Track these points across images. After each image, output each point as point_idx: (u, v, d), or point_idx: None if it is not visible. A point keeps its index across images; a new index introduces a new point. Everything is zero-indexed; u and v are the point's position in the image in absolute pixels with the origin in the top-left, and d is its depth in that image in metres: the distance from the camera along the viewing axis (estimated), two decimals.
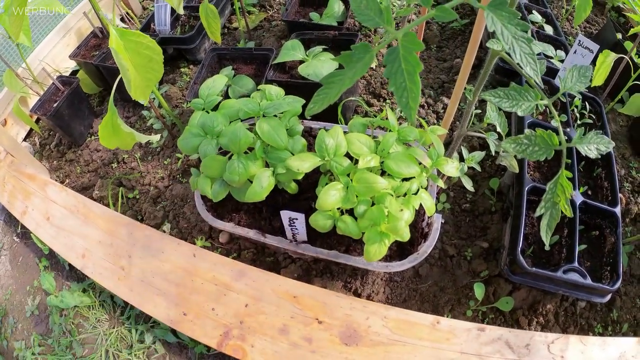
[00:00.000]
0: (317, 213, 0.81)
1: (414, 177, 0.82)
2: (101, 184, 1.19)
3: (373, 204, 0.79)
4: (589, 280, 0.90)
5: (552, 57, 1.19)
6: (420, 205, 0.95)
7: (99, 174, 1.25)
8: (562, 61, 1.21)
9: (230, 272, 0.86)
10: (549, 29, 1.26)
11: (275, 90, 0.92)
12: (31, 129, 1.45)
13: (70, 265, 1.23)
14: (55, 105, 1.22)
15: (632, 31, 1.27)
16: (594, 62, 1.17)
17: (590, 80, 1.22)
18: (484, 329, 0.84)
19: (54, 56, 1.41)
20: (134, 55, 0.89)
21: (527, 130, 0.75)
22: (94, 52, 1.33)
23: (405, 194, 0.80)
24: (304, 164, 0.80)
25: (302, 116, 0.94)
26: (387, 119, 0.88)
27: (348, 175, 0.82)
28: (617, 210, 1.01)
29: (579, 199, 0.99)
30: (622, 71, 1.25)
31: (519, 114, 0.73)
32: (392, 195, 0.78)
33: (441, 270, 1.01)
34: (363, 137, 0.84)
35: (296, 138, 0.87)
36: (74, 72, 1.46)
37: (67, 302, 1.13)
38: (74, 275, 1.22)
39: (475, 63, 1.28)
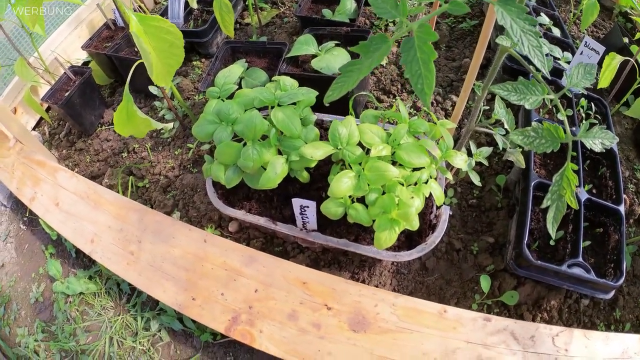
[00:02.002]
0: (329, 200, 0.84)
1: (424, 168, 0.85)
2: (111, 173, 1.21)
3: (384, 193, 0.82)
4: (593, 275, 0.93)
5: (559, 59, 1.23)
6: (428, 199, 0.98)
7: (108, 163, 1.27)
8: (568, 62, 1.24)
9: (240, 258, 0.89)
10: (556, 32, 1.30)
11: (289, 82, 0.95)
12: (41, 119, 1.47)
13: (76, 252, 1.25)
14: (67, 94, 1.25)
15: (638, 35, 1.31)
16: (600, 64, 1.21)
17: (597, 80, 1.26)
18: (490, 319, 0.87)
19: (66, 47, 1.44)
20: (154, 39, 0.92)
21: (534, 123, 0.78)
22: (106, 44, 1.36)
23: (415, 184, 0.83)
24: (317, 151, 0.82)
25: (314, 109, 0.97)
26: (398, 111, 0.91)
27: (360, 164, 0.85)
28: (621, 208, 1.04)
29: (583, 196, 1.02)
30: (628, 75, 1.29)
31: (527, 107, 0.76)
32: (403, 185, 0.81)
33: (447, 264, 1.04)
34: (375, 127, 0.87)
35: (309, 127, 0.90)
36: (85, 64, 1.49)
37: (73, 288, 1.15)
38: (80, 262, 1.24)
39: (484, 63, 1.31)
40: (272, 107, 0.87)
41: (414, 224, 0.81)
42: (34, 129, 1.45)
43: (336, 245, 0.88)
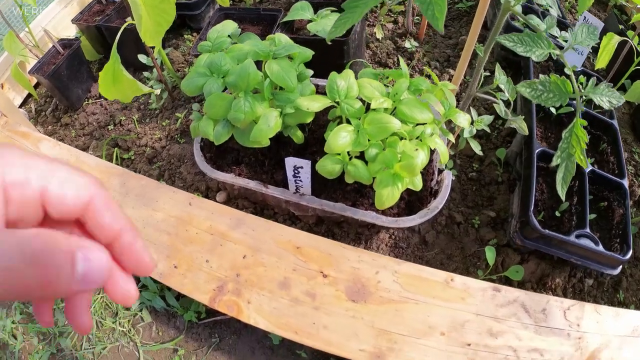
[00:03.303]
0: (325, 157, 0.73)
1: (428, 123, 0.74)
2: (96, 145, 1.09)
3: (384, 150, 0.72)
4: (601, 247, 0.83)
5: (557, 37, 1.15)
6: (429, 166, 0.87)
7: (94, 136, 1.15)
8: (566, 41, 1.17)
9: (228, 221, 0.76)
10: (554, 13, 1.23)
11: (284, 38, 0.85)
12: (27, 97, 1.35)
13: None
14: (54, 66, 1.13)
15: (634, 19, 1.24)
16: (597, 46, 1.14)
17: (594, 61, 1.18)
18: (499, 290, 0.75)
19: (56, 24, 1.34)
20: None
21: (542, 76, 0.69)
22: (97, 17, 1.26)
23: (419, 139, 0.72)
24: (315, 103, 0.72)
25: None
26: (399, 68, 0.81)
27: (359, 119, 0.74)
28: (625, 182, 0.95)
29: (587, 168, 0.93)
30: (625, 59, 1.21)
31: (534, 59, 0.68)
32: (406, 138, 0.71)
33: (448, 238, 0.93)
34: (375, 82, 0.77)
35: (305, 83, 0.80)
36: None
37: None
38: None
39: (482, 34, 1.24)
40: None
41: (418, 182, 0.71)
42: (20, 106, 1.32)
43: (332, 209, 0.76)
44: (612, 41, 1.13)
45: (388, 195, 0.67)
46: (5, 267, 0.18)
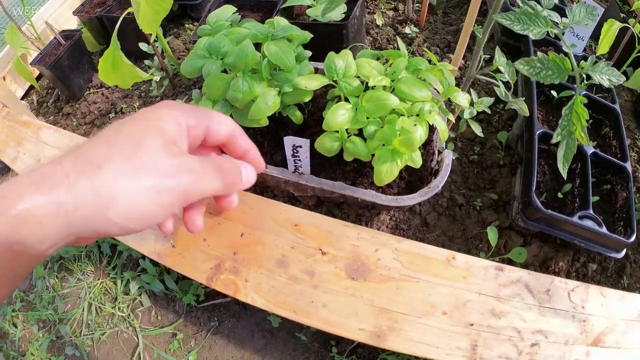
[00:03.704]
0: (324, 135, 0.72)
1: (427, 101, 0.73)
2: (95, 133, 1.08)
3: (383, 127, 0.71)
4: (605, 229, 0.82)
5: (557, 23, 1.14)
6: (429, 145, 0.86)
7: (95, 124, 1.15)
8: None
9: None
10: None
11: (284, 22, 0.84)
12: (29, 89, 1.36)
13: None
14: (55, 57, 1.14)
15: (634, 6, 1.23)
16: (597, 29, 1.12)
17: (595, 48, 1.17)
18: (502, 269, 0.74)
19: (57, 17, 1.35)
20: None
21: (540, 54, 0.68)
22: (98, 9, 1.26)
23: (417, 115, 0.71)
24: (312, 82, 0.71)
25: (309, 59, 0.87)
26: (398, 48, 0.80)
27: (357, 98, 0.73)
28: (628, 165, 0.94)
29: (589, 150, 0.92)
30: (626, 47, 1.20)
31: (531, 37, 0.67)
32: (405, 115, 0.70)
33: (450, 220, 0.91)
34: (373, 62, 0.76)
35: (304, 64, 0.79)
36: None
37: None
38: None
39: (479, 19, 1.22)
40: None
41: (417, 159, 0.70)
42: (22, 98, 1.33)
43: (331, 188, 0.75)
44: (613, 27, 1.12)
45: (387, 171, 0.66)
46: (210, 173, 0.31)
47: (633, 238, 0.84)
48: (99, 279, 0.99)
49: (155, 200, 0.27)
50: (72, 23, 1.39)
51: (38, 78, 1.34)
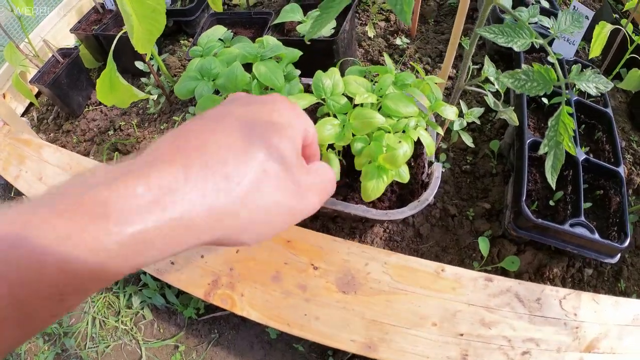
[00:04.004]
0: None
1: (413, 117, 0.76)
2: (97, 150, 1.13)
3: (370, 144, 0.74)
4: (597, 236, 0.84)
5: (548, 28, 1.16)
6: (419, 158, 0.89)
7: (95, 141, 1.19)
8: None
9: None
10: (545, 4, 1.24)
11: (272, 40, 0.88)
12: (29, 106, 1.40)
13: None
14: (54, 75, 1.18)
15: (627, 6, 1.24)
16: (589, 32, 1.14)
17: (588, 51, 1.19)
18: (491, 279, 0.77)
19: (55, 34, 1.39)
20: (137, 5, 0.86)
21: (524, 66, 0.70)
22: (95, 27, 1.31)
23: (404, 132, 0.74)
24: (301, 101, 0.74)
25: (301, 75, 0.90)
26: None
27: (345, 115, 0.76)
28: (621, 170, 0.96)
29: (581, 156, 0.94)
30: (619, 48, 1.21)
31: (515, 49, 0.69)
32: (390, 132, 0.73)
33: (443, 231, 0.94)
34: (360, 79, 0.79)
35: (293, 82, 0.83)
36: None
37: None
38: None
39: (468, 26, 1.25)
40: None
41: (402, 173, 0.72)
42: (22, 115, 1.37)
43: (323, 204, 0.79)
44: (604, 30, 1.13)
45: (373, 187, 0.69)
46: (328, 185, 0.29)
47: (627, 243, 0.85)
48: (102, 294, 1.03)
49: (287, 221, 0.25)
50: (70, 40, 1.44)
51: (38, 94, 1.39)
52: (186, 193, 0.20)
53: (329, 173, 0.29)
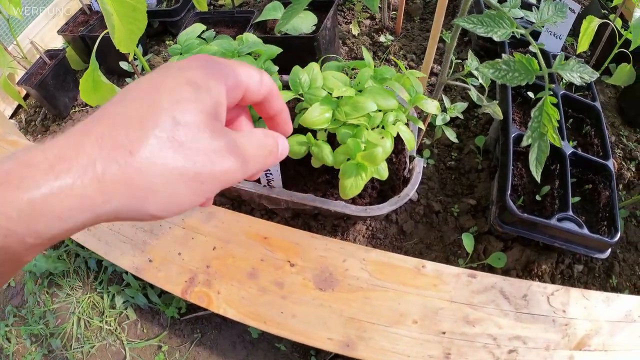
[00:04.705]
0: (291, 138, 0.74)
1: (392, 111, 0.75)
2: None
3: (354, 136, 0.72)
4: (585, 230, 0.82)
5: (533, 22, 1.15)
6: (401, 153, 0.88)
7: None
8: (544, 27, 1.16)
9: (199, 215, 0.79)
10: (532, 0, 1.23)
11: (252, 38, 0.87)
12: (18, 108, 1.41)
13: None
14: (40, 76, 1.18)
15: (615, 1, 1.23)
16: (577, 28, 1.13)
17: (576, 46, 1.17)
18: (475, 276, 0.75)
19: (43, 36, 1.40)
20: (118, 4, 0.86)
21: (504, 56, 0.69)
22: (81, 28, 1.31)
23: (383, 127, 0.73)
24: None
25: (284, 71, 0.89)
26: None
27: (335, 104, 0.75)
28: (610, 163, 0.94)
29: (568, 150, 0.92)
30: (608, 43, 1.20)
31: (495, 39, 0.67)
32: (368, 129, 0.71)
33: (427, 227, 0.93)
34: (337, 74, 0.79)
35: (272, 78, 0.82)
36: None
37: (41, 266, 1.04)
38: None
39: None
40: None
41: (382, 171, 0.71)
42: (11, 117, 1.38)
43: (301, 200, 0.78)
44: (592, 24, 1.12)
45: (352, 185, 0.68)
46: (256, 157, 0.27)
47: (617, 238, 0.84)
48: (87, 294, 1.03)
49: (197, 190, 0.24)
50: (58, 42, 1.44)
51: (26, 97, 1.39)
52: (78, 162, 0.20)
53: (257, 138, 0.28)
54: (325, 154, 0.69)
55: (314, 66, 0.76)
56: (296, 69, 0.75)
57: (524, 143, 0.69)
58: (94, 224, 0.21)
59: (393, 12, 1.25)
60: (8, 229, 0.18)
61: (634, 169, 1.10)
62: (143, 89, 0.24)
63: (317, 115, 0.69)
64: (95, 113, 0.23)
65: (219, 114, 0.26)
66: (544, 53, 1.11)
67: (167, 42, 1.39)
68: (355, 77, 0.81)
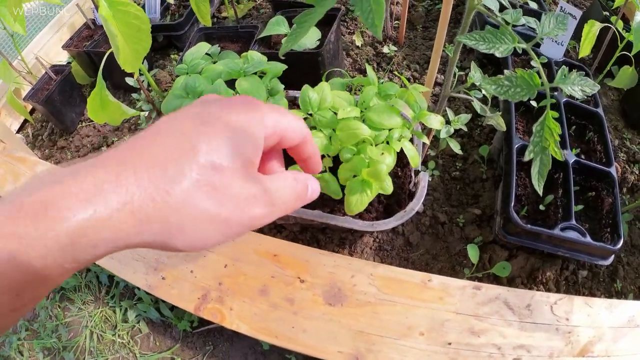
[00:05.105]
0: (295, 166, 0.77)
1: (396, 128, 0.77)
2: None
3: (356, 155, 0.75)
4: (588, 239, 0.84)
5: (534, 28, 1.17)
6: (406, 167, 0.90)
7: (88, 157, 1.22)
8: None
9: None
10: (533, 5, 1.24)
11: (257, 56, 0.89)
12: (24, 122, 1.44)
13: None
14: (47, 92, 1.21)
15: (616, 3, 1.24)
16: (579, 30, 1.14)
17: (578, 50, 1.19)
18: (479, 287, 0.78)
19: (48, 50, 1.42)
20: (122, 25, 0.88)
21: (506, 72, 0.71)
22: (86, 43, 1.33)
23: (388, 143, 0.75)
24: None
25: (288, 87, 0.92)
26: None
27: (333, 129, 0.78)
28: (612, 170, 0.96)
29: (571, 158, 0.94)
30: (610, 46, 1.21)
31: (497, 55, 0.69)
32: (372, 145, 0.74)
33: (433, 238, 0.95)
34: (343, 93, 0.81)
35: (277, 97, 0.84)
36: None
37: None
38: None
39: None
40: None
41: (386, 186, 0.74)
42: (17, 132, 1.41)
43: (309, 217, 0.80)
44: (593, 29, 1.14)
45: (357, 201, 0.71)
46: (285, 197, 0.29)
47: (619, 245, 0.86)
48: (99, 308, 1.06)
49: (224, 232, 0.25)
50: (62, 55, 1.47)
51: (32, 111, 1.42)
52: (116, 195, 0.21)
53: (287, 184, 0.29)
54: (332, 188, 0.72)
55: (324, 86, 0.79)
56: (306, 88, 0.77)
57: (527, 158, 0.71)
58: (122, 250, 0.23)
59: (396, 22, 1.26)
60: (47, 257, 0.20)
61: (637, 172, 1.12)
62: (184, 126, 0.24)
63: None
64: (132, 141, 0.24)
65: (255, 160, 0.26)
66: (547, 60, 1.12)
67: (172, 56, 1.41)
68: (360, 91, 0.83)
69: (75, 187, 0.21)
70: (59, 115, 1.24)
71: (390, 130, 0.76)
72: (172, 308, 1.00)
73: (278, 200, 0.28)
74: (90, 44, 1.26)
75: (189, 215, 0.23)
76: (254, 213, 0.26)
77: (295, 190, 0.29)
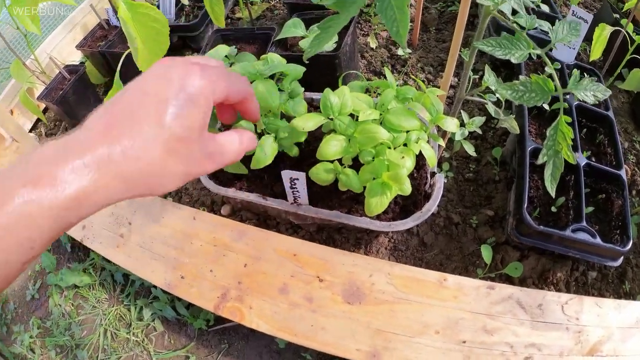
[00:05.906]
0: (318, 166, 0.80)
1: (414, 130, 0.80)
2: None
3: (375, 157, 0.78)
4: (599, 240, 0.87)
5: (547, 32, 1.20)
6: (422, 169, 0.94)
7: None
8: None
9: (230, 233, 0.84)
10: (545, 8, 1.28)
11: (277, 58, 0.92)
12: (37, 121, 1.46)
13: (72, 246, 1.21)
14: (61, 92, 1.24)
15: (627, 5, 1.27)
16: (590, 32, 1.17)
17: (589, 52, 1.22)
18: (493, 287, 0.81)
19: (61, 50, 1.45)
20: (141, 27, 0.91)
21: (522, 77, 0.74)
22: (100, 43, 1.36)
23: (405, 145, 0.78)
24: (309, 122, 0.78)
25: (305, 89, 0.94)
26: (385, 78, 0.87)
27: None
28: (622, 173, 0.99)
29: (582, 161, 0.97)
30: (620, 49, 1.24)
31: (513, 61, 0.72)
32: (391, 147, 0.77)
33: (447, 239, 0.98)
34: (362, 95, 0.84)
35: (297, 100, 0.87)
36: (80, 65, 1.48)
37: (67, 280, 1.10)
38: (75, 256, 1.20)
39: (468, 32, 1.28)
40: None
41: (406, 188, 0.77)
42: (30, 131, 1.43)
43: (327, 217, 0.83)
44: (604, 32, 1.17)
45: (377, 203, 0.74)
46: (230, 155, 0.39)
47: (629, 246, 0.89)
48: (113, 306, 1.09)
49: (187, 179, 0.35)
50: (76, 55, 1.50)
51: (45, 110, 1.45)
52: (109, 165, 0.29)
53: (232, 145, 0.39)
54: (353, 181, 0.75)
55: (345, 90, 0.81)
56: (327, 92, 0.80)
57: (540, 161, 0.74)
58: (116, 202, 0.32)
59: (410, 23, 1.29)
60: (59, 214, 0.27)
61: None
62: (150, 90, 0.33)
63: (332, 150, 0.75)
64: (101, 115, 0.32)
65: (206, 121, 0.35)
66: (559, 64, 1.16)
67: (187, 56, 1.44)
68: (377, 93, 0.86)
69: (76, 161, 0.29)
70: (73, 115, 1.27)
71: (407, 132, 0.79)
72: (188, 307, 1.03)
73: (226, 153, 0.38)
74: (105, 45, 1.29)
75: (166, 177, 0.33)
76: (208, 167, 0.36)
77: (239, 143, 0.39)
